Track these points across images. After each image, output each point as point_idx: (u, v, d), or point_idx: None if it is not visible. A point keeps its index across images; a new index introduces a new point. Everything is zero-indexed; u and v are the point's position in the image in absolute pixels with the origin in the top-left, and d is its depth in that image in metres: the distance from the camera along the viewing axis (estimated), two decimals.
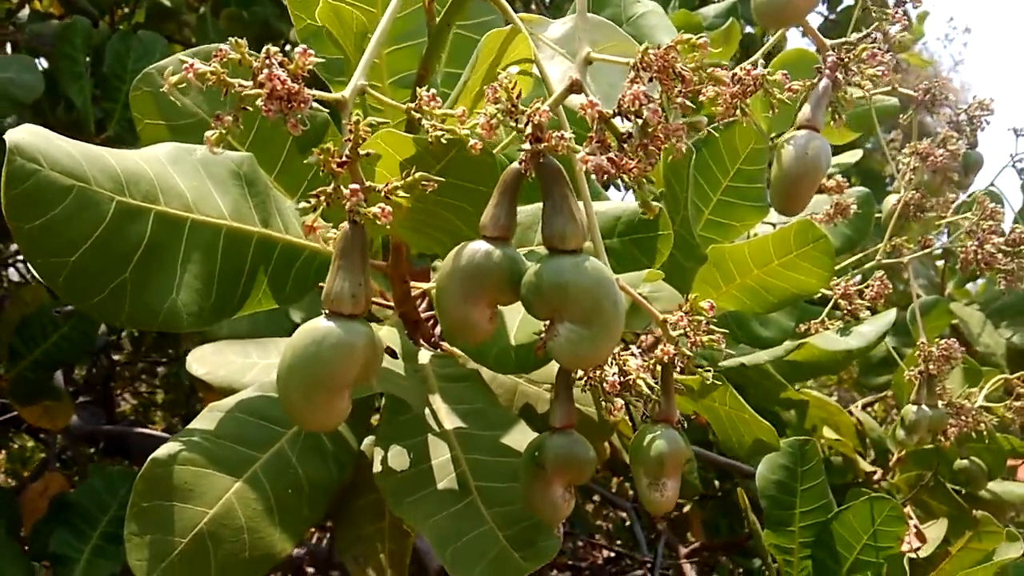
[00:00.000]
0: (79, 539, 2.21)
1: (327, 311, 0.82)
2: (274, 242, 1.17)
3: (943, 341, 1.68)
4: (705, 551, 3.75)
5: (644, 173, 0.75)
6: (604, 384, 0.93)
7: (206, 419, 1.22)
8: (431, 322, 1.39)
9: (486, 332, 0.87)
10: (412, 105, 0.81)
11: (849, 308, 1.63)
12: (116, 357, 4.53)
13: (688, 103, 0.77)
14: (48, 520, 2.30)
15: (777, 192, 0.95)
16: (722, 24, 2.35)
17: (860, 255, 1.95)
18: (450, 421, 1.26)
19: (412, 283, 1.30)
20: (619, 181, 0.77)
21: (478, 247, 0.86)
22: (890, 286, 1.69)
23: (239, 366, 1.38)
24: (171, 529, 1.11)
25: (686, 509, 4.98)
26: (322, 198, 0.76)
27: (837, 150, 2.38)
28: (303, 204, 0.75)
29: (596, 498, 5.41)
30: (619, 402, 0.95)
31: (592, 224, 0.97)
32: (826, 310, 1.67)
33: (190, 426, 1.21)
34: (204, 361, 1.39)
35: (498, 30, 0.93)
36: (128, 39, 2.48)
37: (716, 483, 4.07)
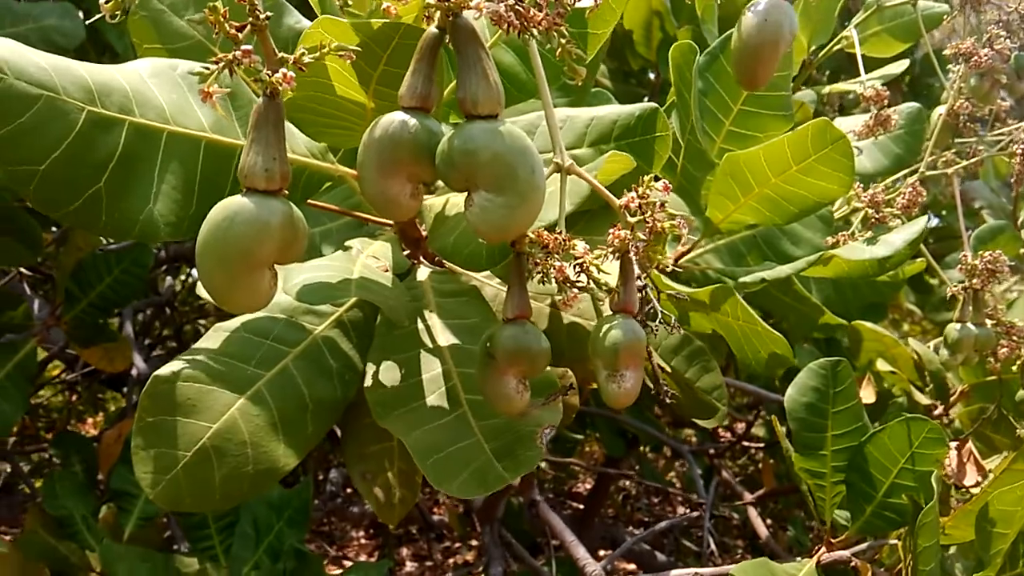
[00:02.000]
0: None
1: (244, 188, 0.81)
2: None
3: (987, 253, 1.56)
4: (769, 497, 3.66)
5: (554, 26, 0.70)
6: (553, 271, 0.89)
7: (211, 339, 1.24)
8: None
9: (408, 208, 0.85)
10: None
11: (877, 217, 1.53)
12: (202, 321, 4.70)
13: None
14: (120, 463, 2.41)
15: (737, 63, 0.89)
16: None
17: (906, 171, 1.83)
18: (444, 336, 1.24)
19: None
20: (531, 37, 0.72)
21: (393, 117, 0.83)
22: (924, 193, 1.57)
23: None
24: (175, 443, 1.13)
25: (760, 465, 4.88)
26: (221, 63, 0.74)
27: (883, 62, 2.24)
28: (199, 68, 0.73)
29: (667, 451, 5.36)
30: (574, 292, 0.91)
31: (552, 127, 0.93)
32: (857, 221, 1.57)
33: (195, 345, 1.23)
34: None
35: None
36: None
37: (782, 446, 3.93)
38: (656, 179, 0.87)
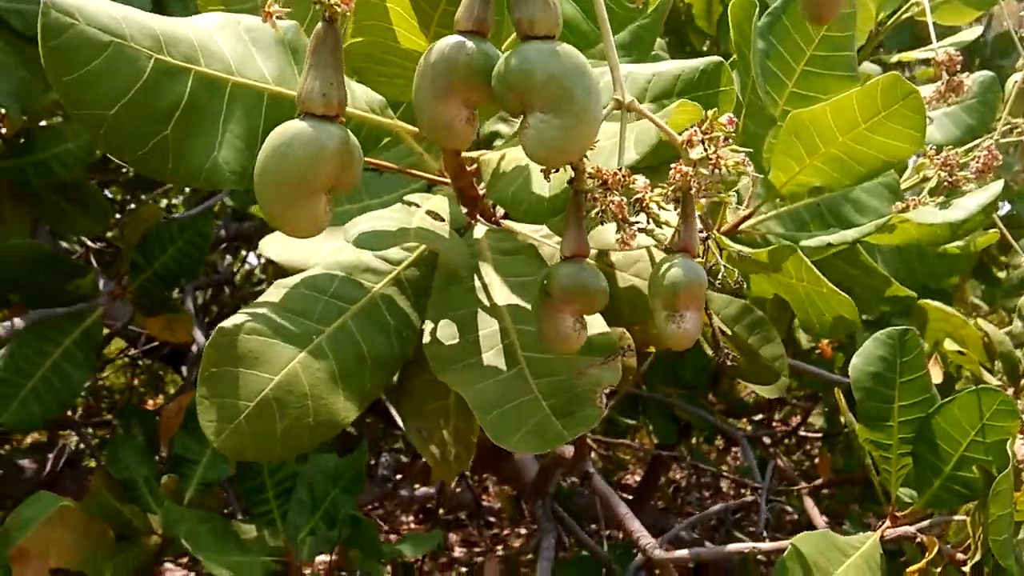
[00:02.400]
0: (200, 442, 2.34)
1: (301, 113, 0.82)
2: None
3: None
4: (826, 487, 3.59)
5: None
6: (611, 206, 0.87)
7: (272, 294, 1.25)
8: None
9: (464, 134, 0.84)
10: None
11: (950, 180, 1.47)
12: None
13: None
14: (181, 431, 2.47)
15: None
16: None
17: (979, 140, 1.76)
18: (501, 293, 1.24)
19: (464, 154, 1.28)
20: None
21: (448, 40, 0.83)
22: (999, 157, 1.51)
23: (308, 247, 1.41)
24: (238, 393, 1.15)
25: (817, 459, 4.78)
26: None
27: (953, 33, 2.16)
28: None
29: (719, 443, 5.28)
30: (633, 229, 0.89)
31: (613, 65, 0.91)
32: (929, 185, 1.52)
33: (258, 300, 1.25)
34: (275, 244, 1.43)
35: None
36: None
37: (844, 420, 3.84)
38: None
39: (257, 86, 1.11)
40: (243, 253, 4.41)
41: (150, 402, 5.34)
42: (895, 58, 2.16)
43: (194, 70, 1.05)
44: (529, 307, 1.21)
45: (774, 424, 5.07)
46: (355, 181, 0.88)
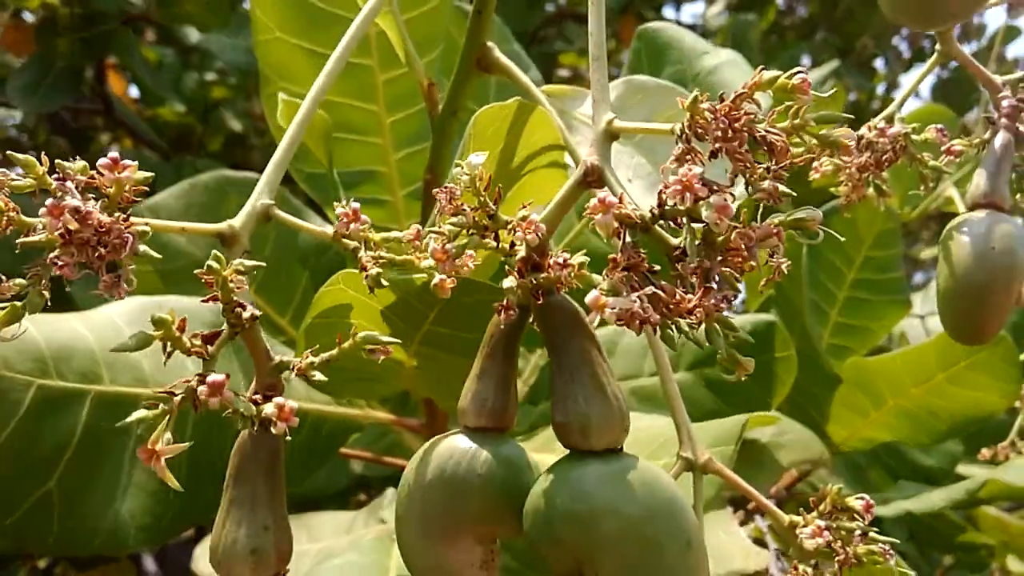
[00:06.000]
0: None
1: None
2: None
3: None
4: None
5: (717, 314, 0.43)
6: None
7: None
8: None
9: None
10: (335, 230, 0.53)
11: None
12: None
13: (782, 187, 0.46)
14: None
15: (950, 310, 0.62)
16: (822, 91, 2.04)
17: None
18: None
19: None
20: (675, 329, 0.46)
21: (453, 448, 0.53)
22: None
23: None
24: None
25: None
26: (175, 400, 0.48)
27: None
28: (141, 413, 0.46)
29: None
30: None
31: (671, 395, 0.66)
32: (1015, 430, 1.28)
33: None
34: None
35: (497, 105, 0.65)
36: (183, 170, 2.43)
37: None
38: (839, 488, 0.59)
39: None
40: None
41: None
42: (924, 253, 1.97)
43: (93, 391, 0.79)
44: None
45: None
46: None
